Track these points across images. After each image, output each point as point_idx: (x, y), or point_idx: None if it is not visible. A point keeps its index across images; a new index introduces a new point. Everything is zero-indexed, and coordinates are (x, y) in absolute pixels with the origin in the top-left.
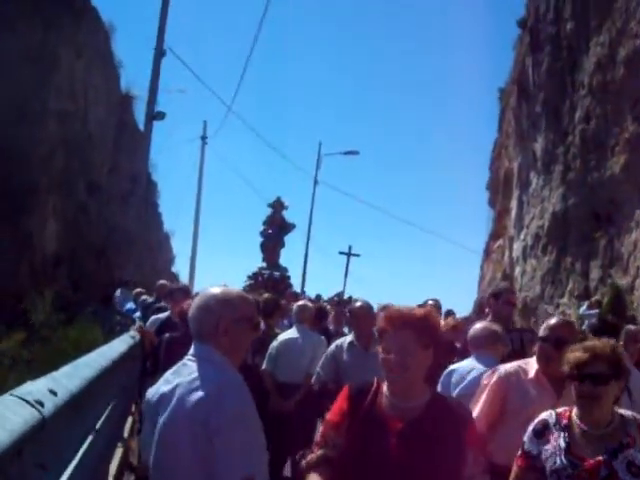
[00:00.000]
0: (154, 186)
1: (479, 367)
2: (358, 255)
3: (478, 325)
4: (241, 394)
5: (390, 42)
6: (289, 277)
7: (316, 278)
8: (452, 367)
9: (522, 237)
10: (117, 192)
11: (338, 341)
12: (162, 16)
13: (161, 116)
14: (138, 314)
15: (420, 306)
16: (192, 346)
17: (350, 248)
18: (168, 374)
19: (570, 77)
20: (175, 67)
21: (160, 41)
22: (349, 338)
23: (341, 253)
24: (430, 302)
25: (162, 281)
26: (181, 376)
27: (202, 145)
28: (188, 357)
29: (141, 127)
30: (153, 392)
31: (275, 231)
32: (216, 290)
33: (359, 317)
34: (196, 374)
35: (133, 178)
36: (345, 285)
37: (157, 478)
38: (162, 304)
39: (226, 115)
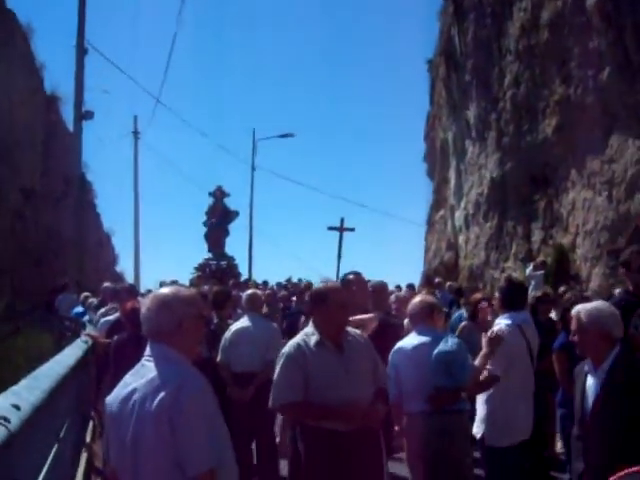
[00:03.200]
0: (89, 186)
1: (421, 339)
2: (353, 229)
3: (414, 300)
4: (201, 389)
5: (317, 21)
6: (237, 266)
7: (263, 264)
8: (398, 345)
9: (463, 206)
10: (51, 195)
11: (298, 340)
12: (80, 13)
13: (90, 115)
14: (87, 317)
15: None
16: (148, 346)
17: (342, 221)
18: (127, 376)
19: (496, 43)
20: (101, 65)
21: (81, 39)
22: (313, 336)
23: (331, 229)
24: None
25: (107, 283)
26: (140, 377)
27: (135, 140)
28: (145, 357)
29: (70, 128)
30: (113, 396)
31: (218, 220)
32: (172, 290)
33: (334, 304)
34: (155, 374)
35: (67, 180)
36: (339, 265)
37: (126, 478)
38: (111, 306)
39: (155, 107)
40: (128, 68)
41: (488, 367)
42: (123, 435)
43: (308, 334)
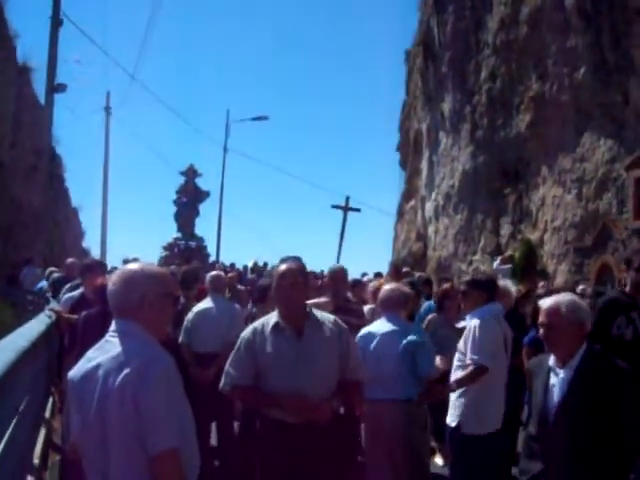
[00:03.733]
0: (59, 160)
1: (391, 327)
2: (358, 210)
3: (388, 287)
4: (167, 368)
5: (297, 7)
6: (206, 247)
7: (234, 247)
8: (366, 329)
9: (434, 197)
10: (20, 168)
11: (256, 323)
12: None
13: (62, 88)
14: (49, 293)
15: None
16: (113, 322)
17: (347, 200)
18: (90, 352)
19: (475, 37)
20: (77, 38)
21: (56, 9)
22: (273, 318)
23: (335, 207)
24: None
25: (71, 259)
26: (105, 353)
27: (106, 116)
28: (110, 333)
29: (42, 100)
30: (76, 371)
31: (189, 199)
32: (139, 265)
33: (287, 285)
34: (120, 350)
35: (37, 153)
36: (340, 249)
37: (89, 455)
38: (75, 282)
39: (130, 84)
40: (104, 44)
41: (475, 357)
42: (86, 410)
43: (269, 317)
